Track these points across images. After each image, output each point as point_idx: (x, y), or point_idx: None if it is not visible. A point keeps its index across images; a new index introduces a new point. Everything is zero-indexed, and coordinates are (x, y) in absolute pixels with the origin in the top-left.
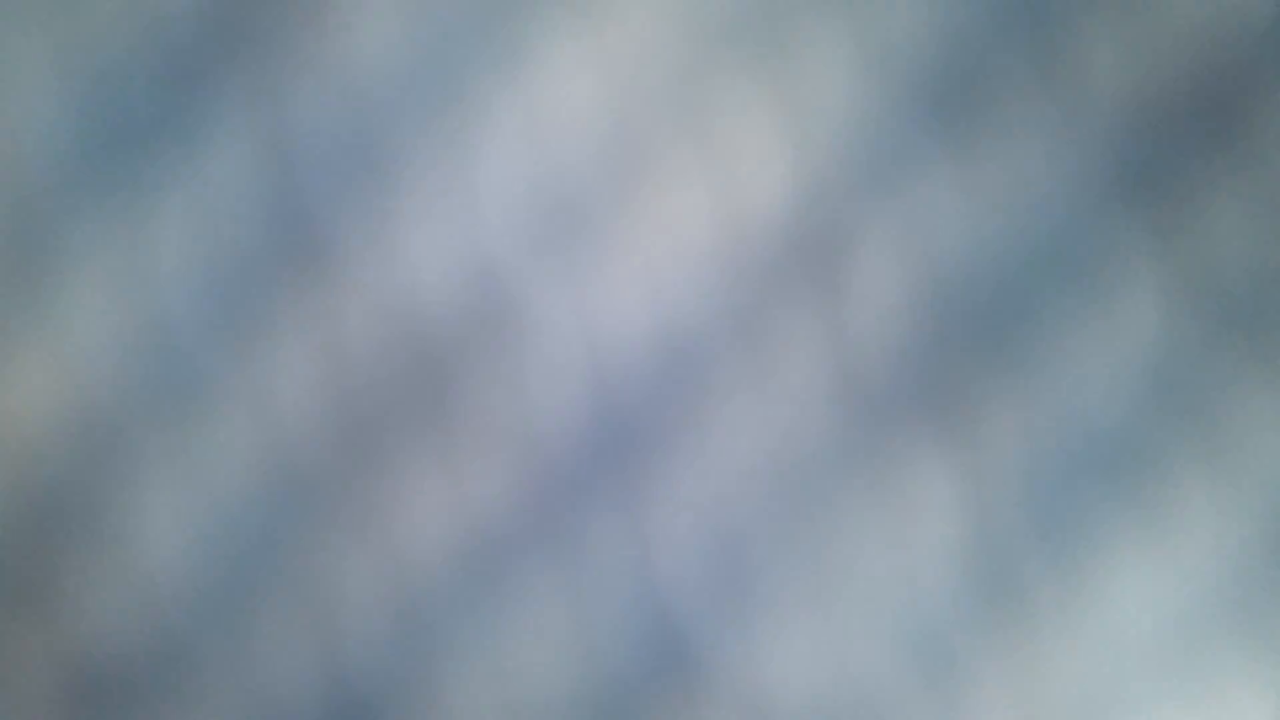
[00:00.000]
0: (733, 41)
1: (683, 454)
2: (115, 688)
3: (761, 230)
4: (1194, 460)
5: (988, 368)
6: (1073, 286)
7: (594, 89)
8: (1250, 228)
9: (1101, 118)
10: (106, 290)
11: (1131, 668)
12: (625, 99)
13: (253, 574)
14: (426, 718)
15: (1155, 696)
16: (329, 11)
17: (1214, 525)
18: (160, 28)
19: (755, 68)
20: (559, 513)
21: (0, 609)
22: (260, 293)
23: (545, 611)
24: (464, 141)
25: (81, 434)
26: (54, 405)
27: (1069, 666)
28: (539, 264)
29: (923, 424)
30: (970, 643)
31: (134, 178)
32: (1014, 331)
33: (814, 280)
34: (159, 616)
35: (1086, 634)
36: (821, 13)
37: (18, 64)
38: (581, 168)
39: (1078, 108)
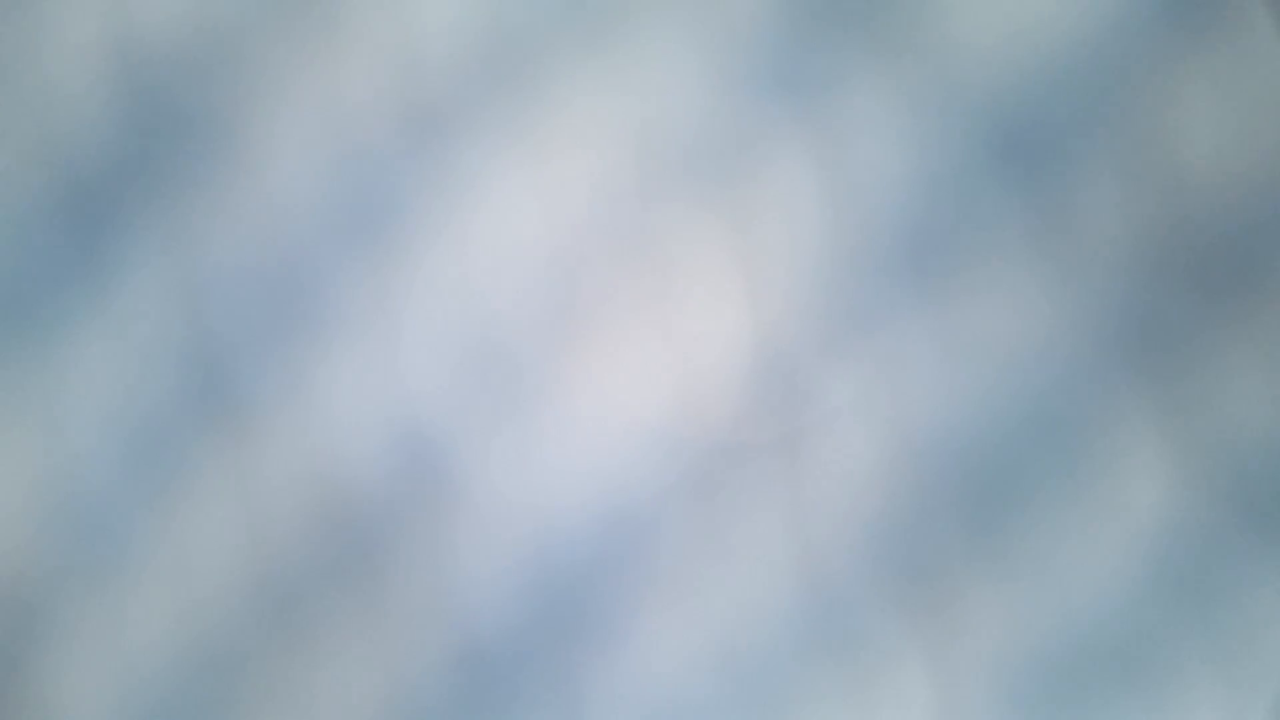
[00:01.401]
0: (686, 174)
1: (626, 637)
2: None
3: (716, 388)
4: (1202, 660)
5: (966, 548)
6: (1064, 458)
7: (533, 225)
8: (1263, 394)
9: (1098, 269)
10: (13, 449)
11: None
12: (567, 236)
13: None
14: None
15: None
16: (247, 147)
17: None
18: (70, 164)
19: (710, 204)
20: (492, 699)
21: None
22: (175, 450)
23: None
24: (390, 284)
25: None
26: None
27: None
28: (471, 422)
29: (893, 610)
30: None
31: (41, 323)
32: (996, 507)
33: (772, 445)
34: None
35: None
36: (785, 143)
37: None
38: (519, 314)
39: (1071, 258)
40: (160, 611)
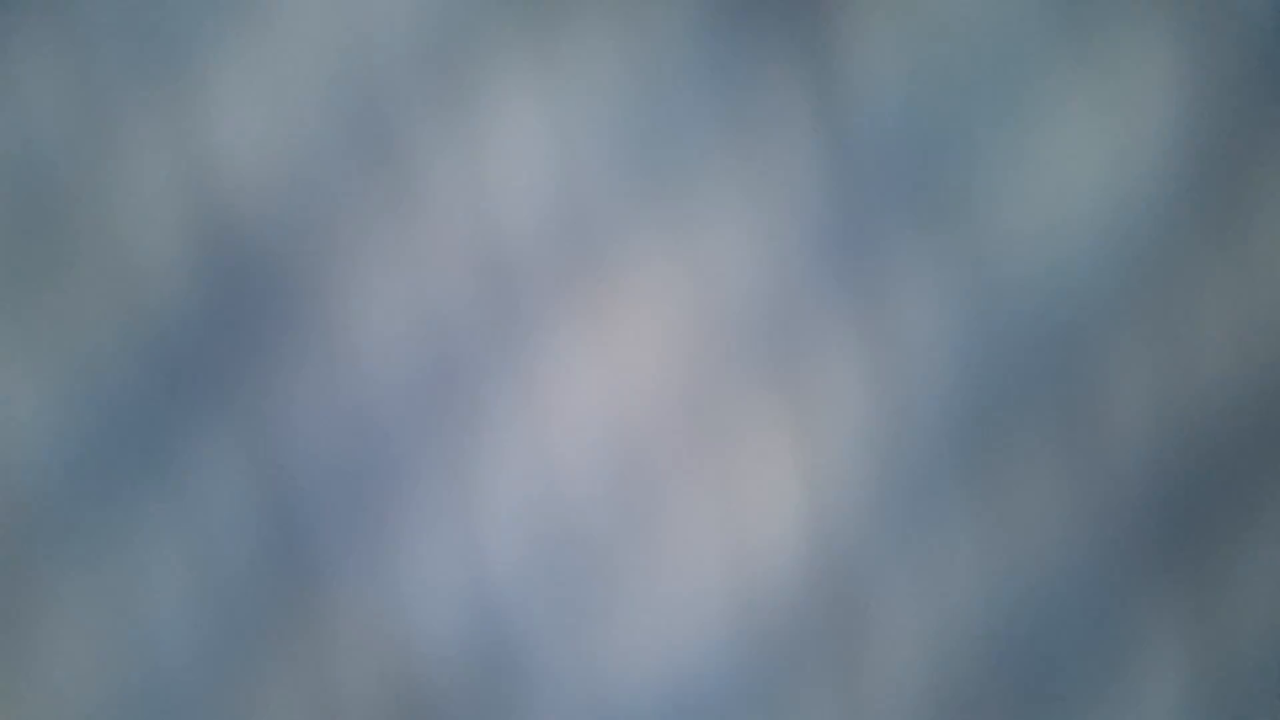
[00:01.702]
0: (742, 349)
1: None
2: None
3: (774, 578)
4: None
5: None
6: (1094, 663)
7: (602, 407)
8: None
9: (1129, 482)
10: (87, 635)
11: None
12: (632, 415)
13: None
14: None
15: None
16: (325, 312)
17: None
18: (142, 330)
19: (765, 380)
20: None
21: None
22: (250, 633)
23: None
24: (467, 460)
25: None
26: None
27: None
28: (543, 609)
29: None
30: None
31: (117, 503)
32: (1029, 706)
33: (828, 637)
34: None
35: None
36: (837, 324)
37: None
38: (588, 494)
39: (1103, 469)
40: None
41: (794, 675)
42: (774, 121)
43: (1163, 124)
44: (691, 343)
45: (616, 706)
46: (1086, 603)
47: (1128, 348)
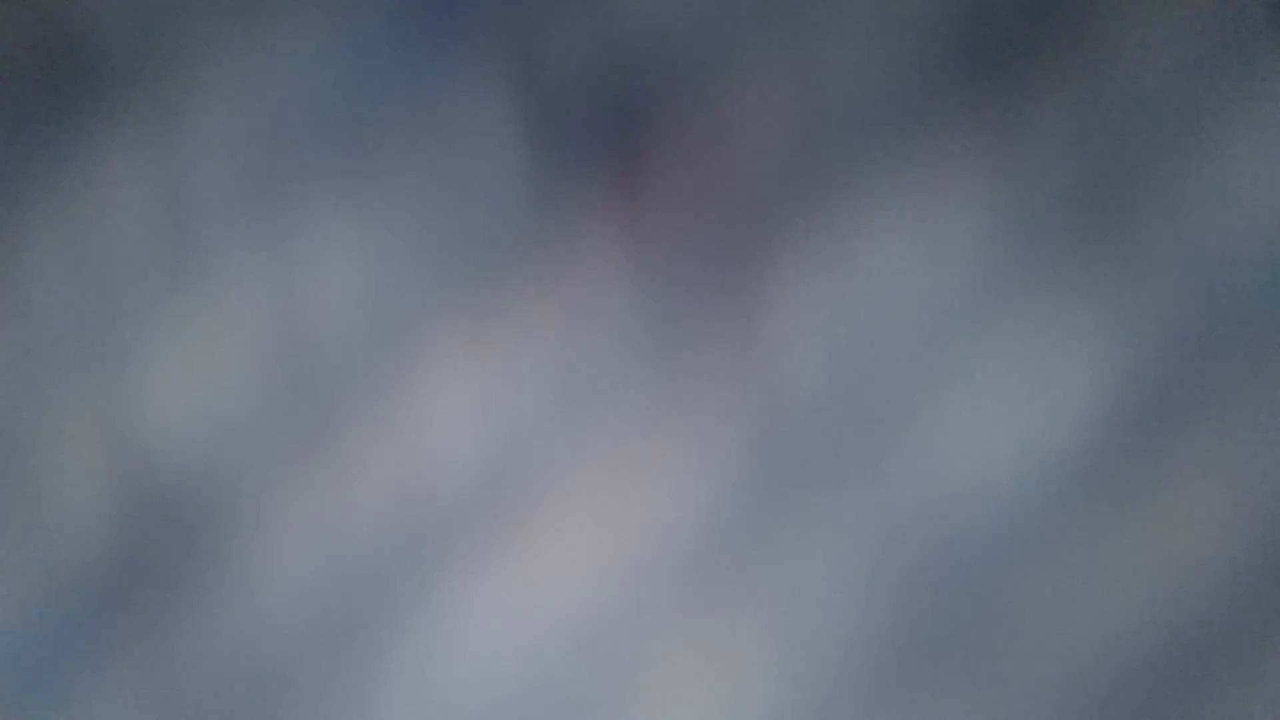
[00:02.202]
0: (660, 601)
1: None
2: None
3: None
4: None
5: None
6: None
7: (512, 644)
8: None
9: (1039, 710)
10: None
11: None
12: (543, 653)
13: None
14: None
15: None
16: (239, 565)
17: None
18: (61, 570)
19: (685, 629)
20: None
21: None
22: None
23: None
24: (366, 699)
25: None
26: None
27: None
28: None
29: None
30: None
31: None
32: None
33: None
34: None
35: None
36: (755, 588)
37: None
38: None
39: (1015, 697)
40: None
41: None
42: (701, 389)
43: (1075, 382)
44: (606, 588)
45: None
46: None
47: (1039, 587)
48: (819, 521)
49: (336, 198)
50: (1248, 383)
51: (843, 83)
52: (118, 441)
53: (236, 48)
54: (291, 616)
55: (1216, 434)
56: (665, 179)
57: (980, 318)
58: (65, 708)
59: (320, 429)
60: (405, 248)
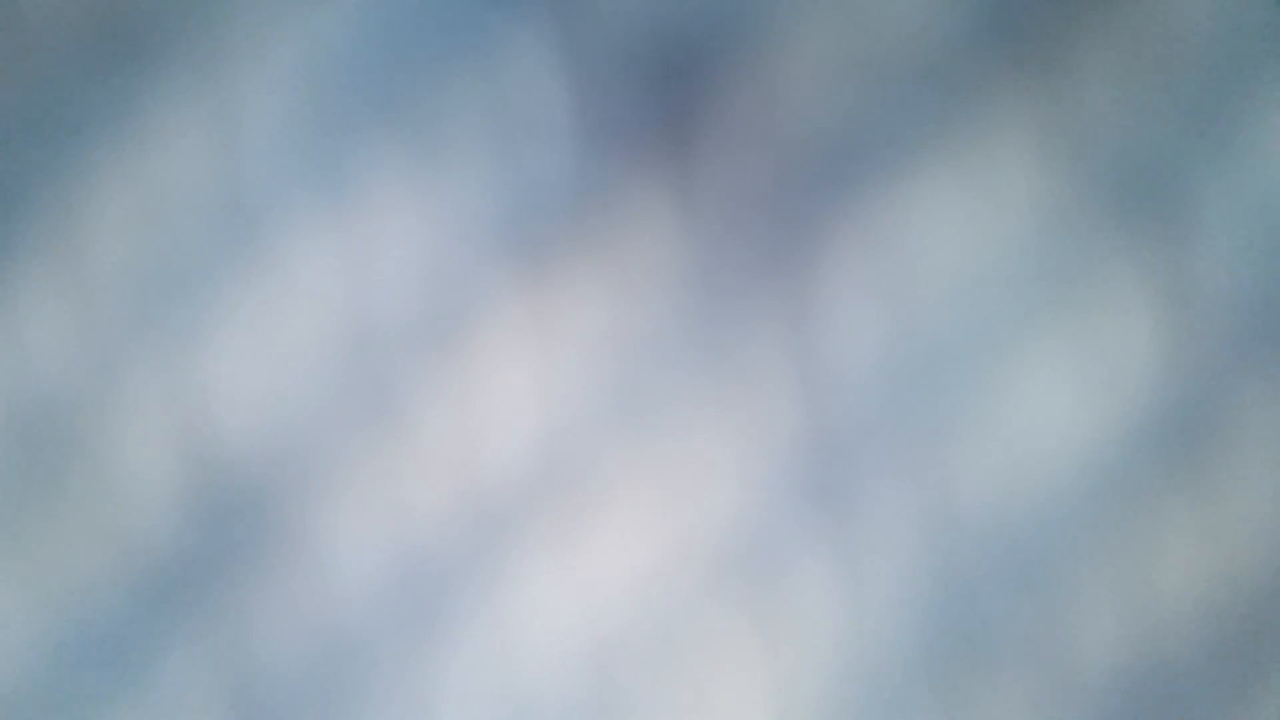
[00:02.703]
0: (718, 577)
1: None
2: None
3: None
4: None
5: None
6: None
7: (573, 618)
8: None
9: (1094, 700)
10: None
11: None
12: (603, 632)
13: None
14: None
15: None
16: (308, 544)
17: None
18: (133, 549)
19: (739, 607)
20: None
21: None
22: None
23: None
24: (434, 677)
25: None
26: None
27: None
28: None
29: None
30: None
31: (92, 710)
32: None
33: None
34: None
35: None
36: (811, 554)
37: None
38: (556, 703)
39: (1068, 688)
40: None
41: None
42: (754, 369)
43: (1132, 375)
44: (666, 564)
45: None
46: None
47: (1090, 576)
48: (876, 506)
49: (391, 166)
50: None
51: (896, 40)
52: (185, 424)
53: (290, 7)
54: (360, 599)
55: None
56: (718, 138)
57: (1034, 293)
58: (138, 690)
59: (383, 408)
60: (460, 216)
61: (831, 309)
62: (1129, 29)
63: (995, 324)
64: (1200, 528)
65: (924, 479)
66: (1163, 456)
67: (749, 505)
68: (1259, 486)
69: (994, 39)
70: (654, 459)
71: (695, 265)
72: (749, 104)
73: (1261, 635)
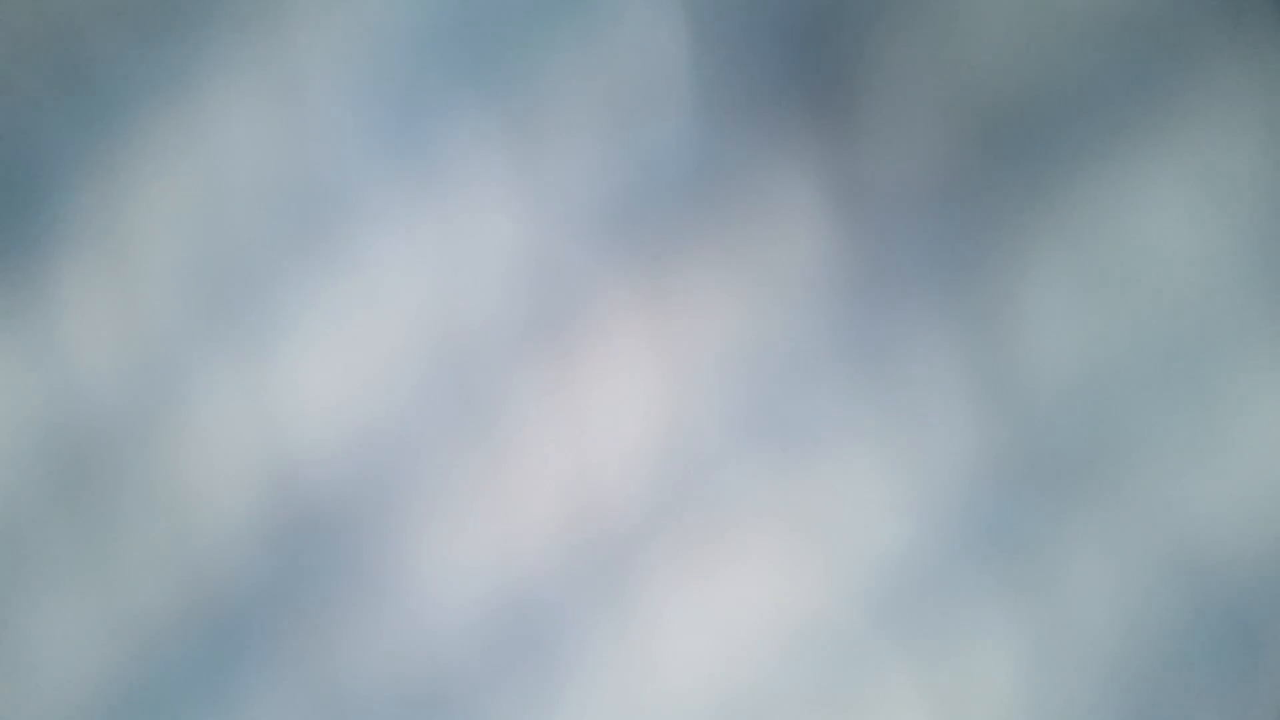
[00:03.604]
0: (875, 619)
1: None
2: None
3: None
4: None
5: None
6: None
7: (709, 657)
8: None
9: None
10: None
11: None
12: (742, 668)
13: None
14: None
15: None
16: (397, 578)
17: None
18: (211, 580)
19: (902, 653)
20: None
21: None
22: None
23: None
24: (546, 710)
25: None
26: None
27: None
28: None
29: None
30: None
31: None
32: None
33: None
34: None
35: None
36: (988, 605)
37: (46, 624)
38: None
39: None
40: None
41: None
42: (922, 386)
43: None
44: (813, 597)
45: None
46: None
47: None
48: (1069, 547)
49: (484, 147)
50: None
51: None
52: (255, 443)
53: None
54: (456, 639)
55: None
56: (876, 109)
57: (1268, 298)
58: (222, 703)
59: (481, 425)
60: (565, 205)
61: (1021, 315)
62: None
63: (1224, 332)
64: None
65: (1133, 518)
66: None
67: (913, 543)
68: None
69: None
70: (798, 488)
71: (849, 262)
72: (914, 66)
73: None
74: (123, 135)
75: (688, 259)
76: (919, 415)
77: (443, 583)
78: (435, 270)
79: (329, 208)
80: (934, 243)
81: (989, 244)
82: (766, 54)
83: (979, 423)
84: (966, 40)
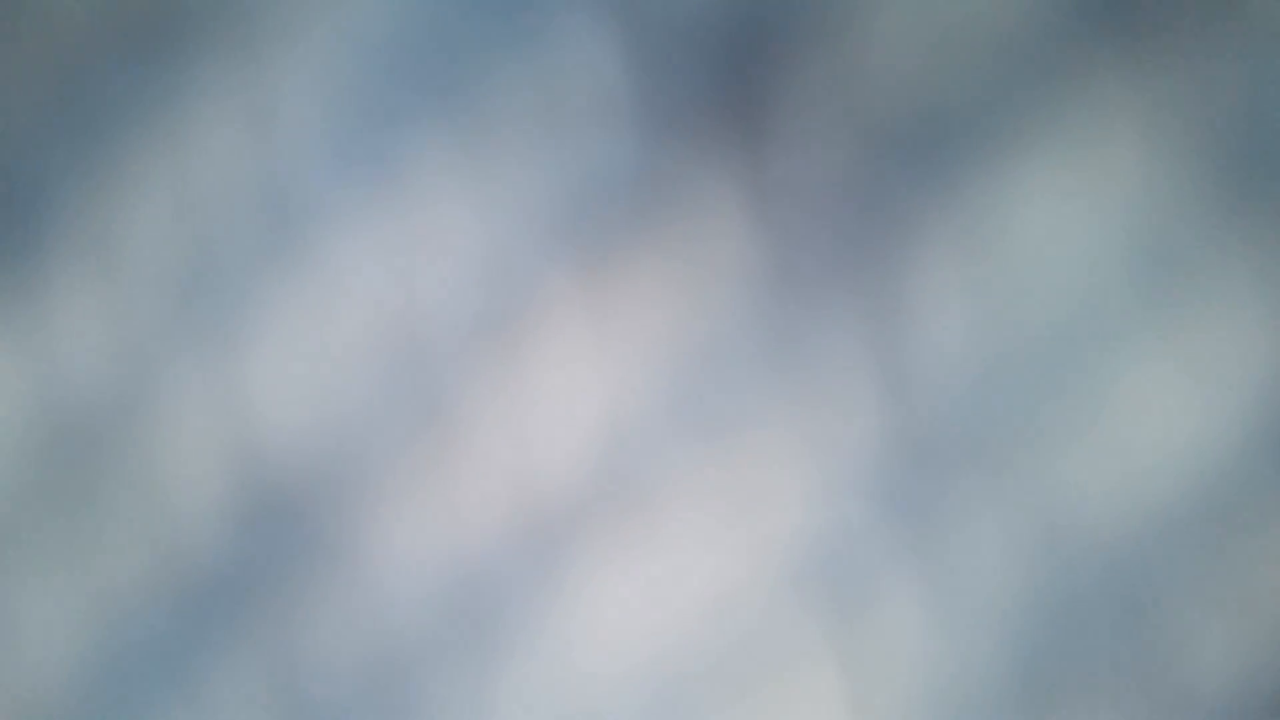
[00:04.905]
0: (794, 588)
1: None
2: None
3: None
4: None
5: None
6: None
7: (637, 631)
8: None
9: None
10: None
11: None
12: (670, 643)
13: None
14: None
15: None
16: (357, 556)
17: None
18: (180, 556)
19: (819, 621)
20: None
21: None
22: None
23: None
24: (490, 687)
25: None
26: None
27: None
28: None
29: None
30: None
31: (132, 703)
32: None
33: None
34: None
35: None
36: (896, 569)
37: (30, 600)
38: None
39: (1166, 696)
40: None
41: None
42: (834, 372)
43: (1247, 381)
44: (735, 574)
45: None
46: None
47: (1203, 593)
48: (967, 520)
49: (439, 157)
50: None
51: (991, 8)
52: (227, 430)
53: None
54: (411, 611)
55: None
56: (793, 121)
57: (1144, 287)
58: (185, 704)
59: (435, 413)
60: (513, 210)
61: (920, 306)
62: (1239, 14)
63: (1101, 321)
64: None
65: (1020, 491)
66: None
67: (827, 518)
68: None
69: (1100, 7)
70: (723, 468)
71: (769, 260)
72: (827, 82)
73: None
74: (109, 148)
75: (625, 260)
76: (830, 401)
77: (397, 559)
78: (393, 269)
79: (296, 213)
80: (843, 241)
81: (890, 243)
82: (693, 71)
83: (883, 407)
84: (869, 58)
